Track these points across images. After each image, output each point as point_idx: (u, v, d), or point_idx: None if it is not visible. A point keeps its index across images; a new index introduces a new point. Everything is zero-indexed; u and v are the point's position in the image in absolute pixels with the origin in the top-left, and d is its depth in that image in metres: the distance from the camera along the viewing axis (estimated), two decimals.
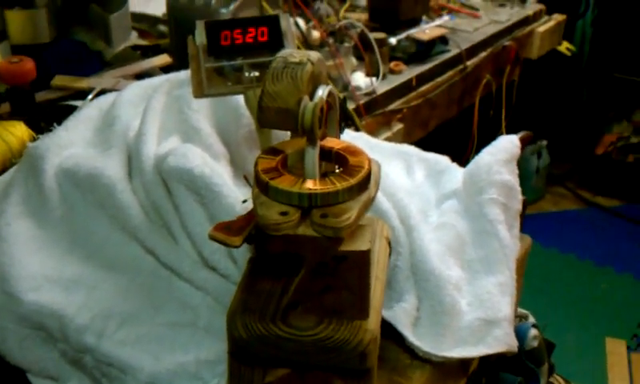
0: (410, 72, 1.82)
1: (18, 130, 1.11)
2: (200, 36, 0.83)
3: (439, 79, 1.91)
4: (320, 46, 1.61)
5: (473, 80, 2.09)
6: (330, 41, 1.66)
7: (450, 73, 1.96)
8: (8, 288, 0.86)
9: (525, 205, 1.02)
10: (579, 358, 2.17)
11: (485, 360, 0.95)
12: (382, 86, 1.71)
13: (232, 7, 1.50)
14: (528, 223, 2.99)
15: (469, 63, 2.01)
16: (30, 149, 1.02)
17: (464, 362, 0.88)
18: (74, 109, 1.20)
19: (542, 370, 1.01)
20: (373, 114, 1.66)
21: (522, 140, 0.99)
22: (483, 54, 2.07)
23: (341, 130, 0.80)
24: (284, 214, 0.63)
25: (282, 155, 0.70)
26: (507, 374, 0.95)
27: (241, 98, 0.99)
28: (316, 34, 1.61)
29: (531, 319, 1.00)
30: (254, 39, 0.82)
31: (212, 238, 0.66)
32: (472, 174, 0.93)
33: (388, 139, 1.71)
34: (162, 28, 1.73)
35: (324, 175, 0.68)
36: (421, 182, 1.01)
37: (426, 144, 2.02)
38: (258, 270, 0.74)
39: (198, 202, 0.88)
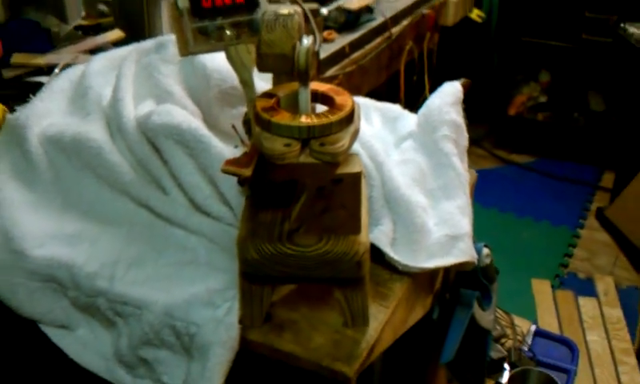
0: (342, 40, 1.93)
1: None
2: (182, 0, 0.90)
3: (368, 46, 2.02)
4: None
5: (397, 47, 2.22)
6: None
7: (377, 40, 2.08)
8: (14, 246, 0.92)
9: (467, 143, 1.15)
10: (510, 299, 2.35)
11: (446, 279, 1.08)
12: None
13: None
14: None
15: (393, 31, 2.14)
16: (10, 120, 1.08)
17: (432, 278, 1.01)
18: (38, 84, 1.25)
19: (493, 287, 1.15)
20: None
21: (463, 85, 1.12)
22: (405, 22, 2.21)
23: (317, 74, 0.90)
24: (287, 145, 0.73)
25: (276, 98, 0.80)
26: (465, 290, 1.08)
27: (208, 61, 1.08)
28: None
29: (483, 243, 1.13)
30: (232, 1, 0.91)
31: (225, 171, 0.76)
32: (426, 115, 1.05)
33: None
34: (102, 7, 1.77)
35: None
36: (379, 128, 1.12)
37: None
38: (257, 203, 0.83)
39: (187, 154, 0.96)
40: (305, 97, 0.77)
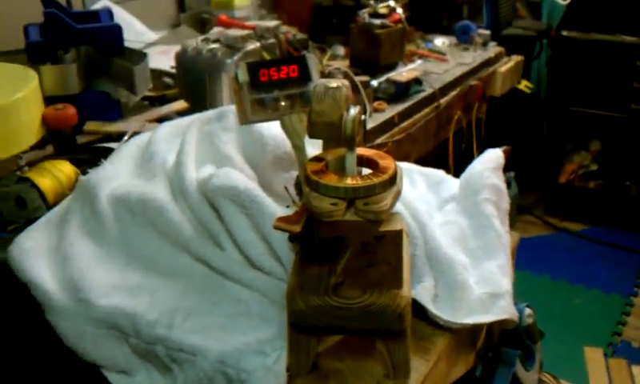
0: (392, 110, 2.01)
1: (65, 168, 1.26)
2: (243, 74, 1.00)
3: (417, 116, 2.10)
4: None
5: (446, 117, 2.30)
6: None
7: (426, 110, 2.15)
8: (82, 296, 1.01)
9: (513, 206, 1.20)
10: (561, 367, 2.33)
11: (488, 337, 1.12)
12: (368, 123, 1.90)
13: (235, 58, 1.68)
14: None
15: (442, 101, 2.22)
16: (82, 181, 1.18)
17: (474, 335, 1.05)
18: (108, 149, 1.36)
19: (536, 347, 1.17)
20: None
21: (504, 152, 1.18)
22: (453, 93, 2.28)
23: (366, 142, 0.97)
24: (334, 204, 0.80)
25: (324, 162, 0.87)
26: (508, 348, 1.11)
27: (265, 130, 1.17)
28: None
29: (526, 303, 1.16)
30: (287, 75, 1.00)
31: (276, 227, 0.83)
32: (468, 179, 1.11)
33: None
34: (167, 80, 1.90)
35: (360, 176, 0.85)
36: (423, 191, 1.18)
37: None
38: (306, 259, 0.90)
39: (243, 213, 1.04)
40: (351, 160, 0.84)
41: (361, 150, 0.90)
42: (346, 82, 0.89)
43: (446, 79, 2.30)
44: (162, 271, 1.07)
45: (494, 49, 2.61)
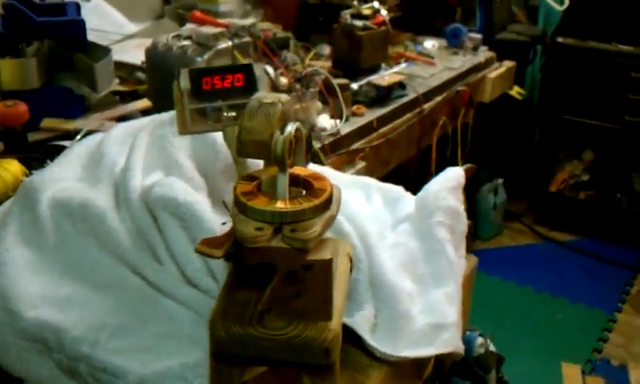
0: (371, 114, 1.96)
1: (13, 167, 1.21)
2: (184, 81, 0.95)
3: (398, 121, 2.05)
4: (288, 91, 1.74)
5: (430, 122, 2.25)
6: (297, 86, 1.80)
7: (408, 115, 2.10)
8: (9, 306, 0.96)
9: (470, 228, 1.15)
10: (537, 381, 2.29)
11: (438, 366, 1.07)
12: (345, 128, 1.85)
13: (206, 56, 1.63)
14: (487, 257, 3.13)
15: (425, 106, 2.16)
16: (25, 183, 1.13)
17: (419, 366, 1.00)
18: (62, 148, 1.31)
19: (489, 377, 1.12)
20: (337, 152, 1.79)
21: (466, 171, 1.12)
22: (439, 98, 2.23)
23: (306, 161, 0.92)
24: (259, 229, 0.75)
25: (257, 181, 0.82)
26: (457, 378, 1.06)
27: (219, 136, 1.12)
28: (284, 80, 1.75)
29: (478, 331, 1.12)
30: (231, 84, 0.95)
31: (198, 251, 0.78)
32: (422, 199, 1.06)
33: None
34: (140, 75, 1.85)
35: (292, 197, 0.80)
36: (378, 208, 1.13)
37: (387, 181, 2.16)
38: (235, 281, 0.85)
39: (182, 226, 0.99)
40: (282, 183, 0.79)
41: (297, 170, 0.85)
42: (287, 97, 0.84)
43: (432, 84, 2.25)
44: (97, 283, 1.02)
45: (484, 53, 2.55)
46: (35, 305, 0.97)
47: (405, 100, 2.10)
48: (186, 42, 1.66)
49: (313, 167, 1.23)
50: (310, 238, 0.75)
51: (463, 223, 1.08)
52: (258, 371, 0.87)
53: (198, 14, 1.72)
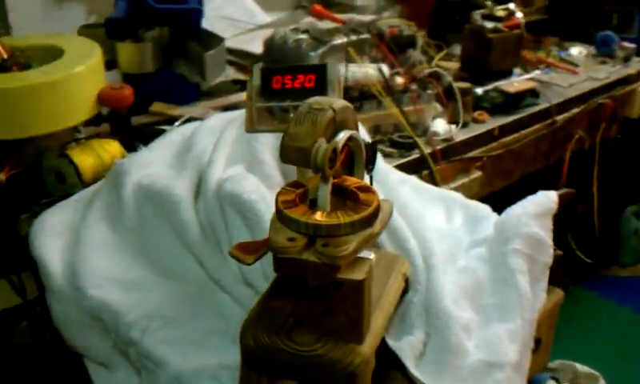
0: (494, 122, 1.85)
1: (112, 148, 1.26)
2: (256, 78, 0.93)
3: (524, 131, 1.92)
4: (403, 91, 1.69)
5: (564, 135, 2.08)
6: (414, 87, 1.74)
7: (537, 126, 1.96)
8: (76, 283, 1.00)
9: (561, 260, 1.04)
10: None
11: None
12: (461, 134, 1.75)
13: (320, 51, 1.62)
14: (624, 287, 2.87)
15: (558, 118, 2.01)
16: (116, 165, 1.17)
17: None
18: (164, 132, 1.35)
19: None
20: (449, 159, 1.70)
21: (561, 197, 1.02)
22: (575, 110, 2.06)
23: (369, 171, 0.88)
24: (291, 239, 0.72)
25: (303, 189, 0.79)
26: None
27: None
28: (399, 80, 1.69)
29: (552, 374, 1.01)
30: (301, 85, 0.92)
31: (231, 254, 0.76)
32: (502, 223, 0.97)
33: (464, 186, 1.76)
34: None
35: (335, 210, 0.75)
36: (458, 227, 1.06)
37: (508, 194, 2.04)
38: (274, 289, 0.82)
39: (245, 224, 0.99)
40: (323, 193, 0.75)
41: (350, 181, 0.81)
42: (345, 104, 0.80)
43: (569, 94, 2.08)
44: (164, 269, 1.04)
45: (637, 65, 2.32)
46: (100, 284, 1.00)
47: (534, 109, 1.96)
48: (303, 36, 1.66)
49: (399, 175, 1.18)
50: (342, 255, 0.70)
51: (547, 254, 0.98)
52: (289, 383, 0.84)
53: (318, 7, 1.70)
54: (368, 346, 0.76)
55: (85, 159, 1.22)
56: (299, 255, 0.72)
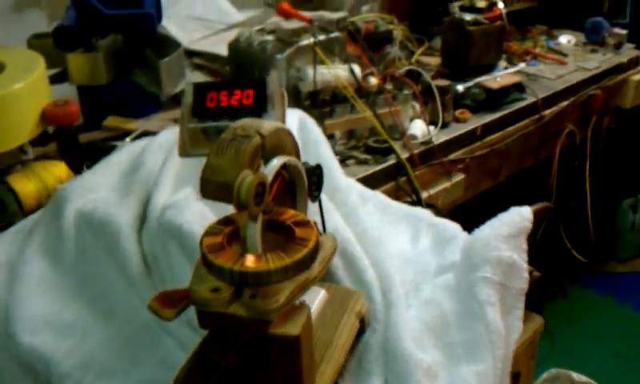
0: (477, 121, 1.75)
1: (58, 170, 1.17)
2: (188, 96, 0.84)
3: (510, 128, 1.82)
4: (377, 92, 1.59)
5: (553, 130, 1.99)
6: (389, 87, 1.64)
7: (524, 122, 1.86)
8: (9, 328, 0.91)
9: (540, 282, 0.95)
10: None
11: None
12: (441, 135, 1.66)
13: (286, 53, 1.52)
14: (621, 283, 2.78)
15: (546, 112, 1.91)
16: (57, 191, 1.08)
17: None
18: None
19: None
20: (428, 163, 1.61)
21: (536, 213, 0.92)
22: (564, 103, 1.96)
23: (313, 199, 0.78)
24: (215, 290, 0.63)
25: (233, 226, 0.69)
26: None
27: None
28: (373, 80, 1.59)
29: None
30: (238, 101, 0.82)
31: (148, 307, 0.67)
32: (468, 248, 0.87)
33: (446, 190, 1.66)
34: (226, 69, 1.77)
35: (271, 251, 0.66)
36: (424, 250, 0.96)
37: (496, 195, 1.94)
38: (211, 338, 0.73)
39: (186, 260, 0.89)
40: (252, 233, 0.66)
41: (287, 213, 0.71)
42: (278, 126, 0.70)
43: (558, 87, 1.98)
44: (105, 308, 0.95)
45: (629, 52, 2.22)
46: (35, 329, 0.91)
47: (520, 105, 1.86)
48: (269, 37, 1.56)
49: (361, 191, 1.08)
50: (272, 308, 0.61)
51: (522, 279, 0.88)
52: None
53: (284, 5, 1.60)
54: None
55: (26, 185, 1.13)
56: (224, 309, 0.62)
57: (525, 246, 0.90)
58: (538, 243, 0.90)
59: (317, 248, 0.66)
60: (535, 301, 0.94)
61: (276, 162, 0.67)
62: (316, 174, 0.77)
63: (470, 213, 1.51)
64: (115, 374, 0.85)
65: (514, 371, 0.89)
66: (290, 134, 0.72)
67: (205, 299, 0.62)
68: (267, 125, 0.68)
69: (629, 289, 2.55)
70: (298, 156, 0.74)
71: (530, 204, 0.96)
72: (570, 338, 2.32)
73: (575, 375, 1.81)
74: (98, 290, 0.97)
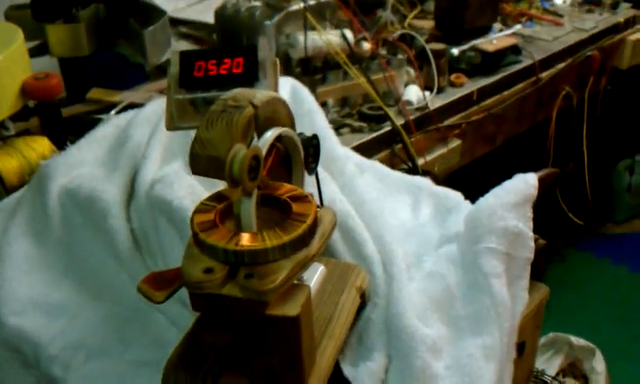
0: (473, 85, 1.71)
1: (40, 146, 1.13)
2: (174, 66, 0.79)
3: (506, 92, 1.78)
4: (371, 58, 1.54)
5: (550, 92, 1.95)
6: (383, 52, 1.59)
7: (520, 85, 1.82)
8: None
9: (544, 250, 0.92)
10: None
11: None
12: (437, 101, 1.62)
13: (275, 19, 1.47)
14: (616, 243, 2.77)
15: (543, 75, 1.87)
16: (40, 167, 1.03)
17: None
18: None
19: None
20: (425, 130, 1.57)
21: (541, 180, 0.89)
22: (561, 65, 1.92)
23: (310, 172, 0.74)
24: (208, 271, 0.59)
25: (226, 203, 0.65)
26: None
27: None
28: (367, 45, 1.54)
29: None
30: (228, 70, 0.78)
31: (138, 289, 0.63)
32: (472, 218, 0.84)
33: (442, 157, 1.62)
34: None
35: (267, 228, 0.62)
36: (425, 221, 0.93)
37: (493, 160, 1.91)
38: (204, 319, 0.70)
39: (177, 235, 0.85)
40: (246, 210, 0.62)
41: (282, 188, 0.67)
42: (271, 96, 0.66)
43: (554, 48, 1.94)
44: (95, 288, 0.91)
45: (625, 12, 2.17)
46: (21, 310, 0.87)
47: (517, 68, 1.82)
48: (257, 3, 1.51)
49: (360, 160, 1.04)
50: (269, 288, 0.57)
51: (528, 248, 0.84)
52: None
53: None
54: None
55: (8, 162, 1.09)
56: (218, 290, 0.59)
57: (530, 214, 0.86)
58: (535, 207, 0.86)
59: (315, 224, 0.63)
60: (540, 269, 0.91)
61: (270, 134, 0.63)
62: (312, 145, 0.73)
63: (467, 179, 1.48)
64: (106, 355, 0.81)
65: (520, 341, 0.86)
66: (284, 103, 0.68)
67: (197, 281, 0.58)
68: (260, 94, 0.64)
69: (624, 250, 2.53)
70: (293, 127, 0.70)
71: (526, 169, 0.92)
72: (568, 301, 2.31)
73: (573, 338, 1.81)
74: (86, 268, 0.93)
